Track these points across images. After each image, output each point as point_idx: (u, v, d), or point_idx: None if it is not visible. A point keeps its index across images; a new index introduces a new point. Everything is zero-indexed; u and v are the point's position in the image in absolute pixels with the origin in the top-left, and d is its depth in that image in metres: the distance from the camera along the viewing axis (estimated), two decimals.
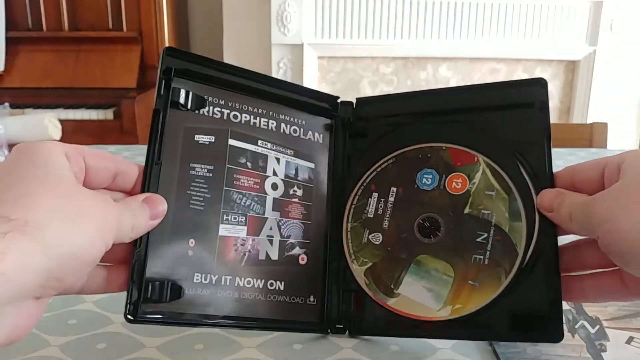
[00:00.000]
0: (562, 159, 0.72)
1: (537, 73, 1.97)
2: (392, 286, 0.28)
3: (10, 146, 1.43)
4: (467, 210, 0.28)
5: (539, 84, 0.29)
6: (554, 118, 2.02)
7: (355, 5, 1.86)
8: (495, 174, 0.28)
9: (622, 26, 1.87)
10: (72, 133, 1.61)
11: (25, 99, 1.76)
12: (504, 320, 0.25)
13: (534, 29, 1.88)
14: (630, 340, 0.31)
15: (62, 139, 1.50)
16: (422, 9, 1.86)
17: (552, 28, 1.88)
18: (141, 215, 0.25)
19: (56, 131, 1.50)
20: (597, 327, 0.32)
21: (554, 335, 0.24)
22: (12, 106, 1.66)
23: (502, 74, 1.97)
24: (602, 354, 0.30)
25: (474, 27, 1.88)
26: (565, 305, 0.33)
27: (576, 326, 0.32)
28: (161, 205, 0.26)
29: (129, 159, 0.69)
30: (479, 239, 0.27)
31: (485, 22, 1.88)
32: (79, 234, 0.21)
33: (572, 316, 0.33)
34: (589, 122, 1.86)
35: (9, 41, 1.82)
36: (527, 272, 0.26)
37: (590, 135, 0.84)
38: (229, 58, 1.98)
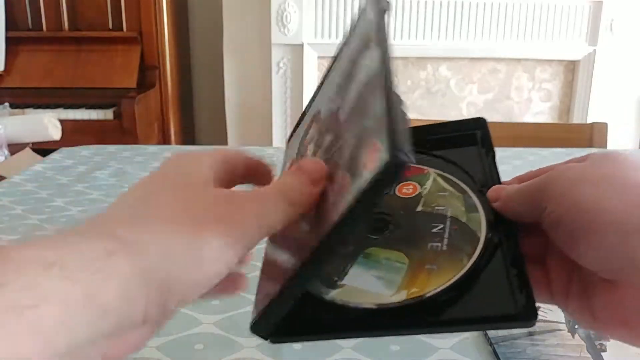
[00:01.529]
0: (562, 159, 0.72)
1: (537, 73, 1.97)
2: (335, 279, 0.24)
3: (10, 146, 1.43)
4: (419, 209, 0.26)
5: (479, 124, 0.30)
6: (554, 118, 2.02)
7: (355, 5, 1.86)
8: (446, 180, 0.27)
9: (622, 26, 1.87)
10: (72, 133, 1.61)
11: (26, 98, 1.76)
12: (471, 303, 0.22)
13: (534, 29, 1.88)
14: None
15: (62, 139, 1.50)
16: (422, 9, 1.86)
17: (552, 28, 1.88)
18: (296, 184, 0.20)
19: (56, 131, 1.50)
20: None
21: (527, 316, 0.20)
22: (12, 106, 1.66)
23: (502, 74, 1.97)
24: (602, 354, 0.30)
25: (474, 27, 1.88)
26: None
27: (576, 326, 0.32)
28: (319, 168, 0.21)
29: (129, 159, 0.70)
30: (434, 230, 0.24)
31: (486, 22, 1.88)
32: (187, 257, 0.18)
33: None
34: (588, 122, 1.86)
35: (9, 41, 1.82)
36: (490, 253, 0.23)
37: (591, 135, 0.84)
38: (229, 58, 1.98)
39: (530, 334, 0.31)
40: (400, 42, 1.89)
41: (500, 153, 0.81)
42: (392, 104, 0.18)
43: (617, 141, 2.02)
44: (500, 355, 0.30)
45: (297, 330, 0.22)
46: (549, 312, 0.33)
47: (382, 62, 0.20)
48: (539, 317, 0.24)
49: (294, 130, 0.30)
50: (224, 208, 0.19)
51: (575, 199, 0.20)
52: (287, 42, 1.88)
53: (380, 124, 0.18)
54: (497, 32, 1.88)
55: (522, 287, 0.21)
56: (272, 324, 0.20)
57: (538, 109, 2.01)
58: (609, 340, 0.30)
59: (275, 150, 0.76)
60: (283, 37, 1.87)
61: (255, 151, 0.77)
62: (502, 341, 0.31)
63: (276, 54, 1.91)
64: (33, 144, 1.47)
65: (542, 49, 1.90)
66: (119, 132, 1.70)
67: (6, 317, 0.14)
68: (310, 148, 0.25)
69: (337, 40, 1.89)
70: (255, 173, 0.24)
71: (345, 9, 1.87)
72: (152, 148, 0.75)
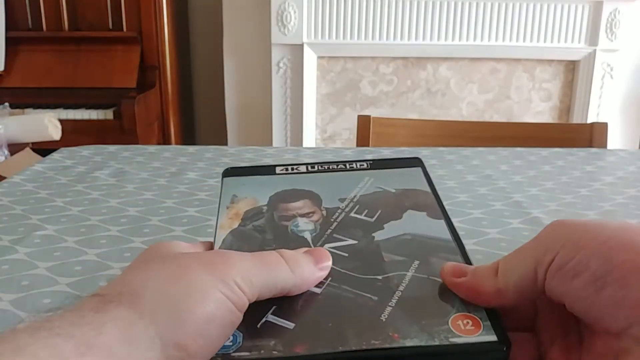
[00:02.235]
0: (562, 159, 0.72)
1: (537, 73, 1.97)
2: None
3: (10, 146, 1.43)
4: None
5: (417, 161, 0.31)
6: (554, 118, 2.02)
7: (355, 5, 1.86)
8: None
9: (621, 26, 1.87)
10: (72, 133, 1.61)
11: (26, 98, 1.76)
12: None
13: (534, 29, 1.88)
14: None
15: (62, 139, 1.50)
16: (422, 9, 1.86)
17: (552, 28, 1.88)
18: (303, 262, 0.20)
19: (56, 131, 1.50)
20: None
21: (502, 342, 0.18)
22: (12, 106, 1.66)
23: (502, 74, 1.97)
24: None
25: (474, 27, 1.88)
26: None
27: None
28: (327, 259, 0.21)
29: (129, 159, 0.70)
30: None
31: (486, 22, 1.88)
32: (183, 289, 0.17)
33: None
34: (588, 122, 1.86)
35: (9, 41, 1.82)
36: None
37: (590, 135, 0.84)
38: (229, 58, 1.98)
39: None
40: (400, 42, 1.90)
41: (501, 153, 0.81)
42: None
43: (617, 141, 2.02)
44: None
45: None
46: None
47: (453, 235, 0.24)
48: None
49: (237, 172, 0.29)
50: (214, 257, 0.20)
51: (601, 238, 0.17)
52: (287, 42, 1.88)
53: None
54: (497, 32, 1.88)
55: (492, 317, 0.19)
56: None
57: (538, 109, 2.01)
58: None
59: (275, 150, 0.76)
60: (283, 37, 1.87)
61: (255, 151, 0.77)
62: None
63: (276, 54, 1.91)
64: (33, 144, 1.47)
65: (542, 49, 1.90)
66: (119, 132, 1.70)
67: None
68: (304, 225, 0.25)
69: (337, 40, 1.89)
70: None
71: (345, 9, 1.87)
72: (152, 148, 0.75)
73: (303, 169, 0.29)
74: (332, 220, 0.25)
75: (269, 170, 0.29)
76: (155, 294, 0.17)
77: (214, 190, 0.59)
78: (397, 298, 0.20)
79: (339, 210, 0.26)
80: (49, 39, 1.84)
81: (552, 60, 1.95)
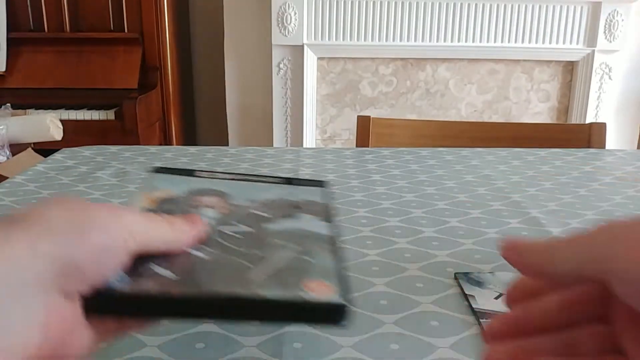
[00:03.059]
0: (560, 159, 0.73)
1: (536, 74, 1.97)
2: None
3: (12, 146, 1.44)
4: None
5: (323, 182, 0.35)
6: (552, 118, 2.02)
7: (355, 6, 1.87)
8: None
9: (620, 27, 1.87)
10: (74, 133, 1.61)
11: (27, 99, 1.76)
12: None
13: (533, 30, 1.89)
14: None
15: (64, 139, 1.50)
16: (422, 10, 1.87)
17: (550, 29, 1.89)
18: (179, 222, 0.24)
19: (58, 131, 1.51)
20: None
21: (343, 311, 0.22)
22: (14, 106, 1.67)
23: (501, 75, 1.98)
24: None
25: (472, 28, 1.88)
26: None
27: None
28: (200, 222, 0.25)
29: (131, 159, 0.70)
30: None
31: (484, 23, 1.88)
32: (88, 221, 0.20)
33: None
34: (587, 122, 1.86)
35: (10, 42, 1.83)
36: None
37: (589, 135, 0.84)
38: (229, 59, 1.99)
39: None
40: (399, 44, 1.90)
41: (499, 153, 0.81)
42: (342, 262, 0.25)
43: (615, 141, 2.03)
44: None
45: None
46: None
47: (333, 233, 0.28)
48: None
49: (168, 170, 0.34)
50: (116, 207, 0.22)
51: None
52: (287, 43, 1.89)
53: (329, 273, 0.24)
54: (496, 33, 1.89)
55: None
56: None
57: (536, 110, 2.01)
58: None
59: (275, 150, 0.76)
60: (283, 38, 1.88)
61: (255, 151, 0.78)
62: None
63: (276, 55, 1.92)
64: (35, 144, 1.47)
65: (541, 50, 1.91)
66: (120, 133, 1.70)
67: None
68: (209, 212, 0.29)
69: (337, 41, 1.90)
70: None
71: (345, 10, 1.87)
72: (154, 148, 0.76)
73: (222, 176, 0.34)
74: (235, 213, 0.30)
75: (191, 172, 0.34)
76: (61, 218, 0.20)
77: None
78: (268, 266, 0.24)
79: (243, 207, 0.30)
80: (50, 40, 1.85)
81: (551, 61, 1.95)
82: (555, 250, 0.19)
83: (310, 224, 0.30)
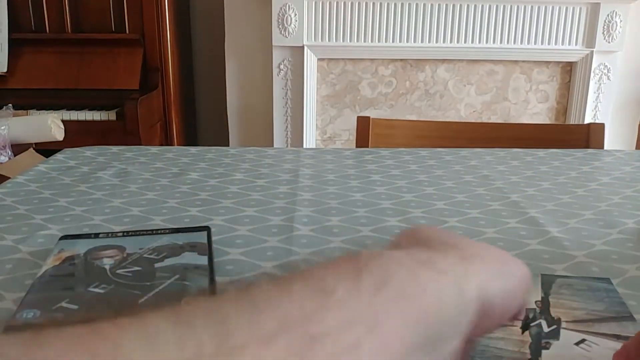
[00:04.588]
0: (558, 159, 0.73)
1: (535, 74, 1.98)
2: None
3: (14, 146, 1.44)
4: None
5: (205, 227, 0.44)
6: (551, 119, 2.03)
7: (355, 7, 1.87)
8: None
9: (618, 28, 1.88)
10: (76, 134, 1.62)
11: (29, 100, 1.77)
12: None
13: (532, 31, 1.89)
14: (580, 342, 0.30)
15: (66, 140, 1.51)
16: (421, 11, 1.87)
17: (549, 30, 1.89)
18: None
19: (60, 132, 1.51)
20: (554, 327, 0.31)
21: None
22: (16, 107, 1.67)
23: (500, 75, 1.98)
24: (543, 351, 0.29)
25: (472, 29, 1.89)
26: (531, 304, 0.33)
27: (532, 324, 0.32)
28: None
29: (132, 159, 0.71)
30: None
31: (483, 24, 1.88)
32: (511, 275, 0.20)
33: (533, 314, 0.33)
34: (585, 123, 1.86)
35: (12, 43, 1.83)
36: None
37: (587, 135, 0.85)
38: (230, 60, 1.99)
39: None
40: (399, 45, 1.90)
41: (498, 154, 0.81)
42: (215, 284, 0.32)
43: (614, 142, 2.03)
44: None
45: None
46: None
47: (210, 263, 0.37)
48: None
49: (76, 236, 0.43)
50: (520, 265, 0.22)
51: None
52: (287, 44, 1.89)
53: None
54: (495, 34, 1.89)
55: None
56: None
57: (535, 110, 2.02)
58: (558, 340, 0.30)
59: (275, 151, 0.77)
60: (284, 39, 1.88)
61: (255, 152, 0.78)
62: None
63: (277, 56, 1.92)
64: (36, 144, 1.48)
65: (540, 51, 1.91)
66: (122, 133, 1.71)
67: (395, 304, 0.15)
68: (108, 261, 0.37)
69: (337, 42, 1.90)
70: None
71: (344, 12, 1.88)
72: (155, 149, 0.76)
73: (120, 234, 0.42)
74: (129, 258, 0.37)
75: (95, 235, 0.42)
76: (491, 273, 0.20)
77: (215, 191, 0.59)
78: (154, 292, 0.31)
79: (136, 254, 0.38)
80: (52, 41, 1.85)
81: (550, 62, 1.95)
82: None
83: (191, 259, 0.37)
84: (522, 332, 0.31)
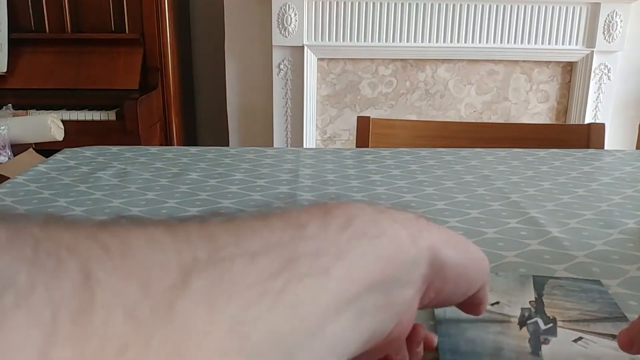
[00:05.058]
0: (559, 159, 0.73)
1: (535, 74, 1.98)
2: None
3: (14, 146, 1.44)
4: None
5: None
6: (551, 119, 2.03)
7: (355, 7, 1.87)
8: None
9: (618, 28, 1.88)
10: (75, 134, 1.62)
11: (28, 100, 1.77)
12: None
13: (532, 31, 1.89)
14: (578, 339, 0.31)
15: (65, 140, 1.51)
16: (421, 11, 1.87)
17: (549, 30, 1.89)
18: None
19: (59, 132, 1.51)
20: (550, 325, 0.32)
21: None
22: (16, 107, 1.67)
23: (500, 75, 1.98)
24: (543, 346, 0.30)
25: (472, 29, 1.89)
26: (525, 304, 0.34)
27: (529, 322, 0.32)
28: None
29: (132, 159, 0.71)
30: None
31: (484, 24, 1.88)
32: (475, 251, 0.22)
33: (528, 313, 0.33)
34: (586, 123, 1.87)
35: (12, 43, 1.83)
36: None
37: (588, 135, 0.85)
38: (230, 60, 1.99)
39: (477, 320, 0.31)
40: (399, 45, 1.90)
41: (498, 154, 0.81)
42: None
43: (614, 142, 2.03)
44: (438, 331, 0.30)
45: None
46: (506, 307, 0.34)
47: None
48: (492, 308, 0.31)
49: None
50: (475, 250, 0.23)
51: None
52: (287, 44, 1.89)
53: None
54: (495, 34, 1.89)
55: None
56: None
57: (535, 110, 2.02)
58: (555, 336, 0.31)
59: (275, 151, 0.77)
60: (284, 39, 1.88)
61: (256, 152, 0.78)
62: (447, 321, 0.31)
63: (277, 56, 1.92)
64: (36, 144, 1.48)
65: (540, 51, 1.91)
66: (121, 133, 1.71)
67: (357, 241, 0.17)
68: None
69: (336, 42, 1.90)
70: None
71: (344, 12, 1.88)
72: (155, 149, 0.76)
73: None
74: None
75: None
76: (446, 236, 0.21)
77: (215, 191, 0.59)
78: None
79: None
80: (51, 41, 1.85)
81: (550, 62, 1.96)
82: None
83: None
84: (520, 329, 0.31)
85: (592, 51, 1.90)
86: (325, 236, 0.16)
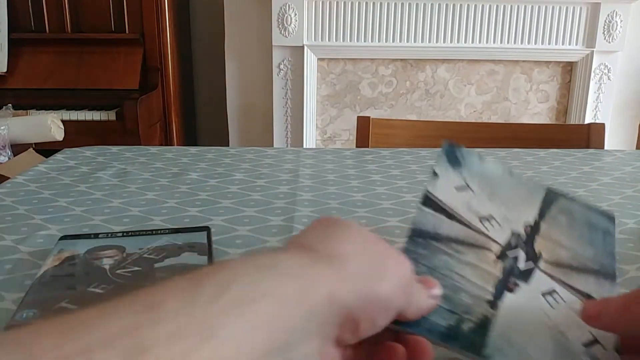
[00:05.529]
0: (559, 159, 0.73)
1: (535, 74, 1.98)
2: None
3: (14, 146, 1.44)
4: None
5: (205, 228, 0.45)
6: (551, 119, 2.03)
7: (355, 7, 1.87)
8: None
9: (618, 28, 1.88)
10: (75, 134, 1.62)
11: (29, 100, 1.77)
12: None
13: (532, 31, 1.89)
14: (549, 293, 0.28)
15: (65, 140, 1.51)
16: (421, 11, 1.87)
17: (549, 30, 1.89)
18: (423, 292, 0.23)
19: (59, 132, 1.51)
20: (530, 265, 0.28)
21: None
22: (16, 107, 1.67)
23: (500, 75, 1.98)
24: (507, 294, 0.27)
25: (472, 29, 1.89)
26: (519, 226, 0.31)
27: (509, 252, 0.29)
28: (437, 288, 0.24)
29: (131, 159, 0.71)
30: None
31: (484, 24, 1.88)
32: (381, 280, 0.20)
33: (515, 241, 0.29)
34: (586, 123, 1.87)
35: (12, 43, 1.83)
36: None
37: (588, 136, 0.85)
38: (230, 60, 1.99)
39: (455, 241, 0.28)
40: (399, 44, 1.90)
41: (498, 154, 0.81)
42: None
43: (614, 142, 2.03)
44: (406, 249, 0.27)
45: None
46: (496, 226, 0.29)
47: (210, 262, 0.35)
48: (480, 226, 0.29)
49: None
50: (398, 263, 0.22)
51: None
52: (287, 44, 1.89)
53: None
54: (495, 34, 1.89)
55: None
56: None
57: (535, 110, 2.02)
58: (527, 283, 0.28)
59: (275, 151, 0.77)
60: (284, 39, 1.88)
61: (255, 152, 0.78)
62: (420, 236, 0.28)
63: (277, 56, 1.92)
64: (36, 144, 1.48)
65: (540, 51, 1.91)
66: (121, 133, 1.71)
67: (232, 311, 0.15)
68: (108, 261, 0.37)
69: (336, 42, 1.90)
70: None
71: (344, 12, 1.88)
72: (155, 149, 0.76)
73: (120, 234, 0.42)
74: (129, 259, 0.37)
75: (94, 235, 0.42)
76: (361, 271, 0.19)
77: (215, 191, 0.59)
78: None
79: (136, 254, 0.38)
80: (51, 41, 1.85)
81: (550, 62, 1.95)
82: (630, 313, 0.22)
83: (190, 259, 0.37)
84: (496, 263, 0.28)
85: (592, 51, 1.90)
86: (189, 313, 0.14)
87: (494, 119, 2.00)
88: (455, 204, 0.30)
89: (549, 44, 1.90)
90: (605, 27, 1.87)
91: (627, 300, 0.23)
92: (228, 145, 2.04)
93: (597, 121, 1.72)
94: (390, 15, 1.88)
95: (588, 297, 0.28)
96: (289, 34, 1.87)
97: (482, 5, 1.86)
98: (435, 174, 0.31)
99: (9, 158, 1.39)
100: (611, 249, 0.31)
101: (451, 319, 0.26)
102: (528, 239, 0.30)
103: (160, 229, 0.43)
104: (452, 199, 0.30)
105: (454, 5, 1.86)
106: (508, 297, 0.27)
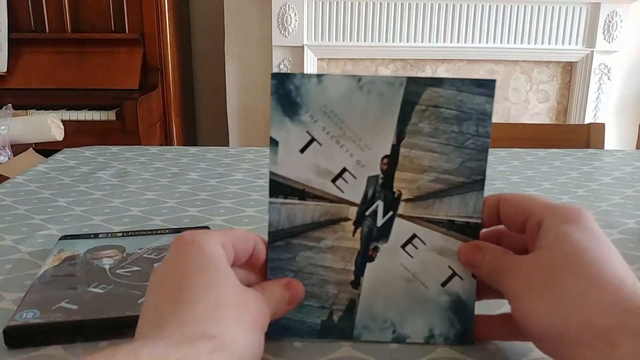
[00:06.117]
0: (559, 159, 0.73)
1: (535, 74, 1.98)
2: None
3: (14, 146, 1.44)
4: None
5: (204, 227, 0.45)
6: (551, 119, 2.03)
7: (355, 7, 1.87)
8: None
9: (618, 28, 1.88)
10: (75, 134, 1.62)
11: (29, 99, 1.77)
12: None
13: (532, 31, 1.89)
14: (409, 241, 0.26)
15: (65, 140, 1.51)
16: (421, 11, 1.87)
17: (549, 30, 1.89)
18: (282, 302, 0.27)
19: (59, 132, 1.51)
20: (389, 215, 0.26)
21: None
22: (16, 107, 1.67)
23: (500, 75, 1.98)
24: (368, 264, 0.26)
25: (472, 29, 1.89)
26: (377, 161, 0.27)
27: (368, 213, 0.26)
28: (301, 292, 0.27)
29: (132, 159, 0.71)
30: None
31: (484, 24, 1.88)
32: (254, 341, 0.23)
33: (372, 192, 0.26)
34: (586, 122, 1.87)
35: (12, 43, 1.83)
36: None
37: (588, 135, 0.85)
38: (230, 60, 1.99)
39: (311, 226, 0.27)
40: (399, 45, 1.90)
41: (498, 154, 0.81)
42: None
43: (614, 142, 2.03)
44: (269, 259, 0.27)
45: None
46: (351, 180, 0.26)
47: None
48: (330, 190, 0.27)
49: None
50: (255, 304, 0.24)
51: (525, 311, 0.23)
52: (287, 44, 1.89)
53: None
54: (495, 34, 1.89)
55: None
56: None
57: (536, 110, 2.02)
58: (386, 242, 0.27)
59: None
60: (284, 39, 1.88)
61: (255, 152, 0.78)
62: (278, 238, 0.27)
63: (277, 56, 1.92)
64: (36, 144, 1.48)
65: (540, 51, 1.91)
66: (121, 133, 1.71)
67: None
68: (108, 261, 0.37)
69: (336, 42, 1.90)
70: (253, 261, 0.28)
71: (344, 12, 1.88)
72: (155, 149, 0.76)
73: (120, 234, 0.42)
74: (129, 259, 0.38)
75: (94, 235, 0.43)
76: (244, 344, 0.22)
77: (215, 191, 0.59)
78: None
79: (136, 254, 0.38)
80: (51, 41, 1.85)
81: (550, 62, 1.96)
82: (492, 272, 0.26)
83: None
84: (355, 232, 0.27)
85: (592, 51, 1.90)
86: None
87: (494, 119, 2.00)
88: (303, 175, 0.26)
89: (549, 43, 1.90)
90: (605, 27, 1.87)
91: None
92: (228, 145, 2.04)
93: (597, 121, 1.72)
94: (390, 15, 1.88)
95: (450, 223, 0.26)
96: (289, 34, 1.87)
97: (482, 5, 1.86)
98: (274, 142, 0.26)
99: (9, 158, 1.39)
100: (484, 142, 0.27)
101: (323, 314, 0.27)
102: (385, 180, 0.26)
103: (160, 229, 0.43)
104: (299, 169, 0.26)
105: (454, 5, 1.86)
106: (369, 268, 0.27)
